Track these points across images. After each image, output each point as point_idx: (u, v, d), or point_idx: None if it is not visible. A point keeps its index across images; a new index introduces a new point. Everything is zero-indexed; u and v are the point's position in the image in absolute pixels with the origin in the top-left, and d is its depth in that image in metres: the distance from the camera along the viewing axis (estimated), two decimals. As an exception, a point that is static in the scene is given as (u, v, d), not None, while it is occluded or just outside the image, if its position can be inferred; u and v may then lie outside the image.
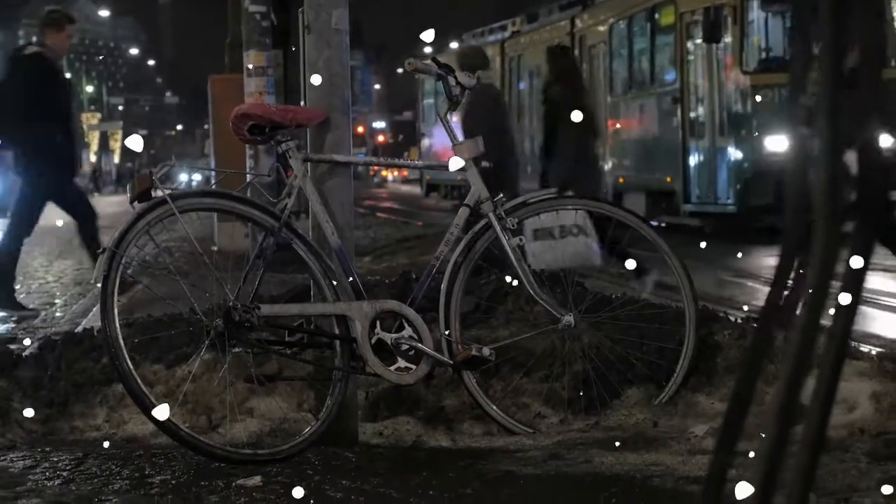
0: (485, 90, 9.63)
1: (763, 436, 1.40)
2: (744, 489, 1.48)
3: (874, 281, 10.19)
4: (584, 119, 9.62)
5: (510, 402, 4.97)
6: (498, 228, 4.79)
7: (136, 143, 4.40)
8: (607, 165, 22.82)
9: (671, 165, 19.38)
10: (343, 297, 4.62)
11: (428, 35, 5.06)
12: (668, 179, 19.53)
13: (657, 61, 20.47)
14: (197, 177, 47.14)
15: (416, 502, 3.77)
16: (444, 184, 29.66)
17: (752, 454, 1.49)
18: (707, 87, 18.60)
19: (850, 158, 1.38)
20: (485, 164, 4.86)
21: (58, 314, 10.02)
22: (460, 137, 4.92)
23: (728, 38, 17.92)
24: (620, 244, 6.94)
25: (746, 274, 12.35)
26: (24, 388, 5.10)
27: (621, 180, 21.81)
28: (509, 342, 5.08)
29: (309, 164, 4.76)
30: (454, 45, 32.88)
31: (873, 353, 5.11)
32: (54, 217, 9.64)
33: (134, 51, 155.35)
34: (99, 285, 4.31)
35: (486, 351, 4.67)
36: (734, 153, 17.90)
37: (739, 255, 13.56)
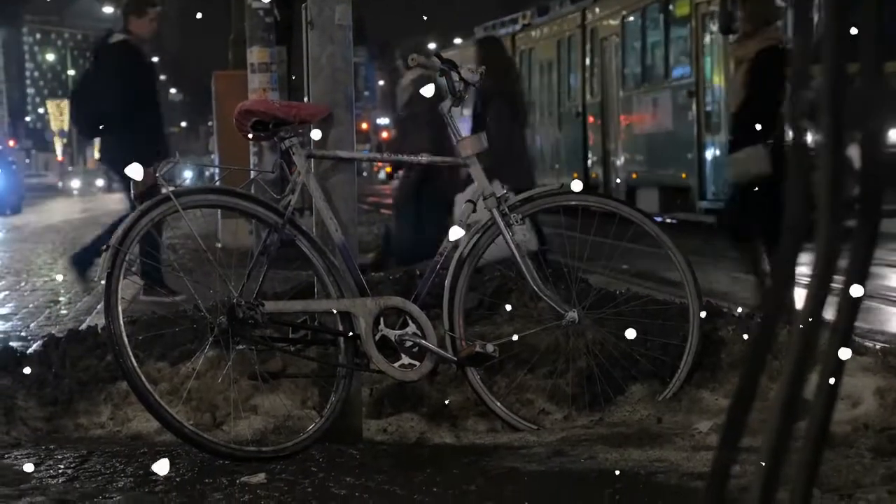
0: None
1: (766, 431, 1.39)
2: (747, 485, 1.48)
3: (879, 276, 10.19)
4: (512, 110, 9.51)
5: (514, 399, 4.97)
6: (501, 224, 4.78)
7: (135, 172, 4.38)
8: (619, 161, 22.57)
9: (686, 161, 19.03)
10: (347, 294, 4.62)
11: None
12: (683, 175, 19.17)
13: (672, 54, 20.03)
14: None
15: (420, 499, 3.77)
16: None
17: (755, 450, 1.48)
18: (724, 81, 17.98)
19: (853, 152, 1.37)
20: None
21: (62, 311, 10.03)
22: (462, 133, 4.91)
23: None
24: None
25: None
26: (28, 386, 5.11)
27: (634, 176, 21.48)
28: (513, 339, 5.08)
29: (312, 160, 4.76)
30: (458, 40, 32.86)
31: (878, 348, 5.10)
32: (56, 215, 9.64)
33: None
34: (103, 282, 4.31)
35: (489, 347, 4.67)
36: None
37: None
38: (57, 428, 4.93)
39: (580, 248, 5.23)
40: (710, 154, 18.54)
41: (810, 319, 1.36)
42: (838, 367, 1.36)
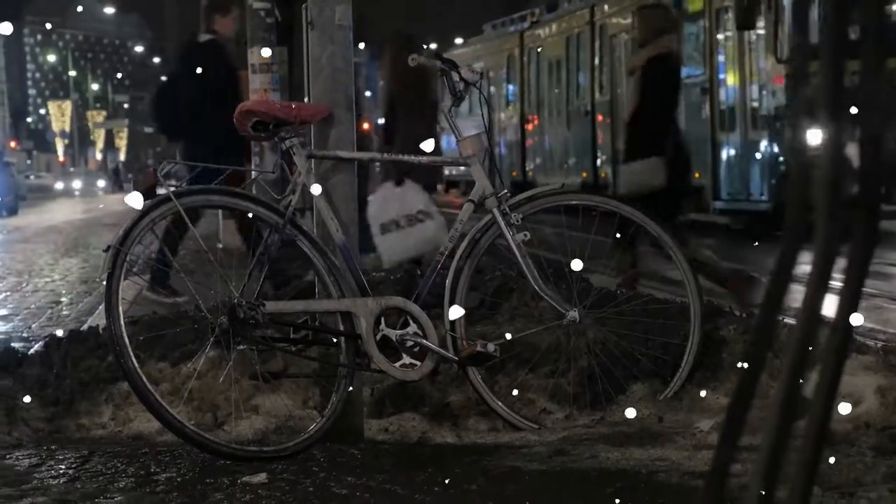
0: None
1: (766, 430, 1.39)
2: (747, 483, 1.48)
3: (879, 275, 10.19)
4: (420, 111, 9.48)
5: (515, 398, 4.97)
6: (502, 224, 4.78)
7: (135, 200, 4.38)
8: None
9: (699, 160, 18.08)
10: (348, 294, 4.62)
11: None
12: (696, 175, 18.48)
13: (684, 50, 19.81)
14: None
15: (421, 498, 3.77)
16: (463, 180, 29.39)
17: (755, 448, 1.48)
18: (738, 78, 17.68)
19: (853, 151, 1.38)
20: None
21: (64, 312, 10.03)
22: (464, 133, 4.91)
23: (762, 25, 16.90)
24: None
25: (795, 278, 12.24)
26: (30, 387, 5.11)
27: None
28: (514, 338, 5.08)
29: (313, 160, 4.76)
30: (459, 40, 32.82)
31: (879, 347, 5.10)
32: (58, 216, 9.65)
33: (139, 48, 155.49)
34: (104, 283, 4.31)
35: (490, 347, 4.67)
36: (768, 147, 16.90)
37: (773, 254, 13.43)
38: (58, 428, 4.94)
39: (580, 248, 5.23)
40: (724, 153, 18.12)
41: (809, 318, 1.36)
42: (838, 366, 1.37)
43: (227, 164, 4.79)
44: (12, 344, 6.17)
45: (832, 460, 3.76)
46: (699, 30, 19.03)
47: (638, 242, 7.50)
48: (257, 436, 4.63)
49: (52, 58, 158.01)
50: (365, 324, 4.57)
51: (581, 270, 4.92)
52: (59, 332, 5.56)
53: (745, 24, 16.66)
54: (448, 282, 4.80)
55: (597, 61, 23.75)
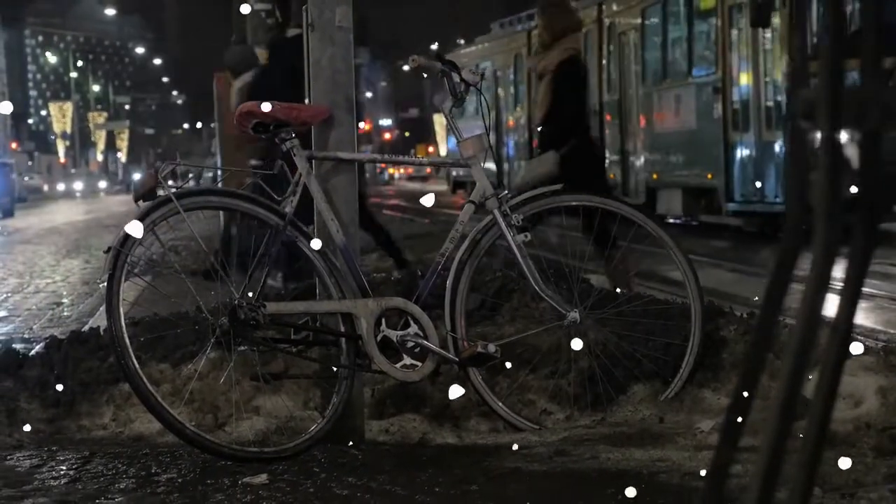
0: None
1: (766, 430, 1.39)
2: (747, 484, 1.48)
3: (879, 275, 10.19)
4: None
5: (516, 399, 4.97)
6: (503, 225, 4.78)
7: (136, 229, 4.38)
8: (639, 161, 21.62)
9: (712, 161, 18.18)
10: (348, 295, 4.62)
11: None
12: (709, 176, 18.35)
13: (696, 48, 19.13)
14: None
15: (422, 499, 3.77)
16: (469, 181, 29.15)
17: (755, 449, 1.48)
18: (752, 76, 17.25)
19: (852, 151, 1.37)
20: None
21: (65, 313, 10.04)
22: (464, 134, 4.91)
23: (777, 22, 16.53)
24: None
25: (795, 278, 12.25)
26: (30, 388, 5.11)
27: (654, 176, 20.65)
28: (515, 339, 5.08)
29: (313, 161, 4.76)
30: (461, 41, 32.79)
31: (879, 347, 5.10)
32: (59, 216, 9.66)
33: (140, 49, 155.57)
34: (104, 284, 4.32)
35: (491, 348, 4.67)
36: (783, 148, 16.34)
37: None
38: (59, 429, 4.94)
39: (581, 248, 5.24)
40: (737, 154, 17.73)
41: (809, 319, 1.36)
42: (838, 366, 1.36)
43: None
44: (13, 345, 6.18)
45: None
46: (711, 28, 18.68)
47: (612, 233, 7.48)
48: (258, 437, 4.63)
49: (53, 59, 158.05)
50: (366, 325, 4.57)
51: (581, 271, 4.92)
52: (60, 334, 5.56)
53: (758, 21, 16.24)
54: (449, 283, 4.80)
55: (604, 60, 23.47)
